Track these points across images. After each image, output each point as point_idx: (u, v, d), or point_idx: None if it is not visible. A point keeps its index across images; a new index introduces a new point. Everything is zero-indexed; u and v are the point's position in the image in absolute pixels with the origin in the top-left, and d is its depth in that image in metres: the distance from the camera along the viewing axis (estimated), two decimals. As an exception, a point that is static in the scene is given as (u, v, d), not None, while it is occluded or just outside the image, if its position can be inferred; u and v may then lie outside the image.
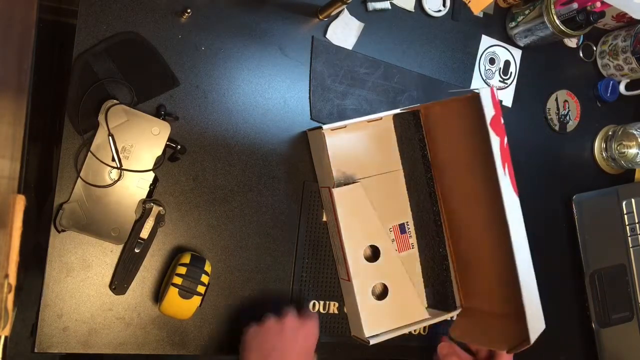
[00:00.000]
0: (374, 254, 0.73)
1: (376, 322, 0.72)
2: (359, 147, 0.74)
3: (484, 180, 0.68)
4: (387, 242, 0.73)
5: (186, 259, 0.65)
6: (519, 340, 0.65)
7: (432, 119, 0.75)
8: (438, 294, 0.77)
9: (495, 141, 0.63)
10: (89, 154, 0.64)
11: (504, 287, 0.70)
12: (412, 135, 0.77)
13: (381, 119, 0.74)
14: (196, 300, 0.64)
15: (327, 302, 0.77)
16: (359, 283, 0.71)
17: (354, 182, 0.72)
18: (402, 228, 0.77)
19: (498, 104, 0.64)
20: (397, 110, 0.73)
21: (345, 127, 0.72)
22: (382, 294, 0.73)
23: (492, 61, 0.89)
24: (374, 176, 0.75)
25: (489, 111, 0.62)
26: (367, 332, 0.71)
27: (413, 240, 0.77)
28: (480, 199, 0.71)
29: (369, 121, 0.73)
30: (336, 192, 0.70)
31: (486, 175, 0.66)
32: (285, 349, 0.63)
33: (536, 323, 0.64)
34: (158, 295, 0.68)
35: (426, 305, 0.77)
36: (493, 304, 0.73)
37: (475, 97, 0.63)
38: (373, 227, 0.72)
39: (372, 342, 0.70)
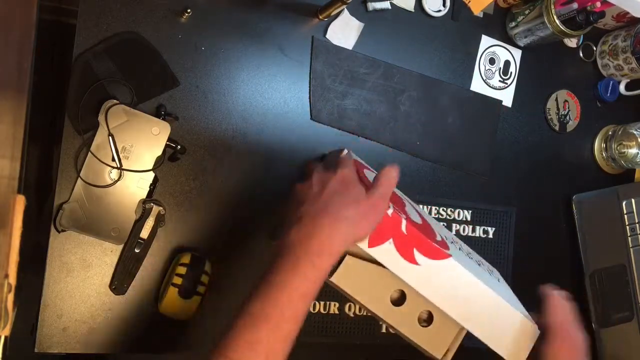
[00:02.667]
0: (401, 294, 0.69)
1: (440, 341, 0.69)
2: None
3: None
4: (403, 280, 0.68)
5: (186, 259, 0.65)
6: None
7: None
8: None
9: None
10: (89, 154, 0.64)
11: None
12: None
13: None
14: (196, 300, 0.64)
15: (328, 302, 0.77)
16: (403, 324, 0.68)
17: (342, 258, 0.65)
18: None
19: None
20: None
21: None
22: (429, 317, 0.69)
23: (492, 61, 0.89)
24: None
25: None
26: (438, 354, 0.69)
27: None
28: None
29: None
30: (335, 279, 0.63)
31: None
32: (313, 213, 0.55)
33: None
34: (158, 295, 0.68)
35: None
36: None
37: None
38: (384, 277, 0.65)
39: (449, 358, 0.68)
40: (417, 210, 0.71)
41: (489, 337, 0.64)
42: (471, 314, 0.64)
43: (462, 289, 0.63)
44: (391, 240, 0.60)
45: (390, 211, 0.60)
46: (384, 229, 0.60)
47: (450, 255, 0.62)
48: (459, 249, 0.70)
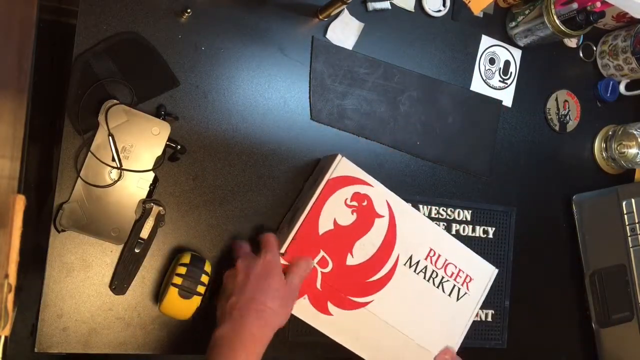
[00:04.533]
0: None
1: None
2: None
3: None
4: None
5: (186, 259, 0.65)
6: None
7: None
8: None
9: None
10: (89, 154, 0.64)
11: None
12: None
13: None
14: (196, 300, 0.64)
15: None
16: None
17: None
18: None
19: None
20: None
21: None
22: None
23: (492, 61, 0.89)
24: None
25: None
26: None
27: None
28: None
29: None
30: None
31: None
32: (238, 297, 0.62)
33: None
34: (158, 295, 0.68)
35: None
36: None
37: None
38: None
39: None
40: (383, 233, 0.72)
41: None
42: (381, 354, 0.70)
43: (375, 334, 0.70)
44: (306, 296, 0.68)
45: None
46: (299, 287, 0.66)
47: (367, 304, 0.69)
48: (422, 270, 0.72)
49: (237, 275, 0.63)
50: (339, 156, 0.69)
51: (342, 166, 0.69)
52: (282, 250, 0.65)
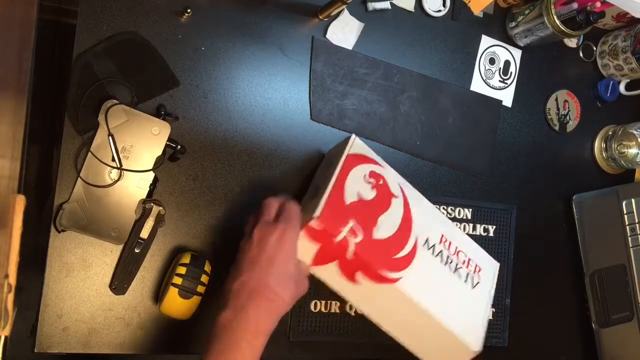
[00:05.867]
0: None
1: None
2: None
3: None
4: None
5: (186, 259, 0.65)
6: None
7: None
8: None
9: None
10: (89, 154, 0.64)
11: None
12: None
13: None
14: (196, 300, 0.64)
15: (329, 302, 0.77)
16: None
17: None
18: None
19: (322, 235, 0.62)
20: None
21: None
22: None
23: (492, 61, 0.89)
24: None
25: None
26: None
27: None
28: None
29: None
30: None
31: None
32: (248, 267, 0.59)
33: None
34: (158, 295, 0.68)
35: None
36: None
37: None
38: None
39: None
40: (406, 208, 0.71)
41: (424, 355, 0.69)
42: (407, 331, 0.68)
43: (401, 310, 0.66)
44: (336, 262, 0.64)
45: (339, 238, 0.62)
46: (329, 254, 0.63)
47: (396, 280, 0.64)
48: (438, 253, 0.70)
49: (250, 249, 0.59)
50: (353, 136, 0.69)
51: (358, 145, 0.69)
52: (317, 214, 0.61)
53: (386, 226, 0.67)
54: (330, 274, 0.65)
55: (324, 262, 0.64)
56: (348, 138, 0.70)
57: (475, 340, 0.68)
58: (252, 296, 0.56)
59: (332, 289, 0.67)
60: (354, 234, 0.63)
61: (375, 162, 0.70)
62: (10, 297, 0.53)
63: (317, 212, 0.61)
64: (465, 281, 0.71)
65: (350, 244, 0.63)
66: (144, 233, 0.66)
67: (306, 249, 0.63)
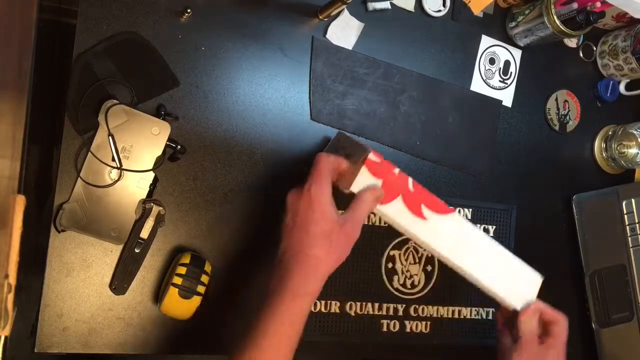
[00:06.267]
0: None
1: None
2: None
3: None
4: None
5: (186, 259, 0.65)
6: None
7: None
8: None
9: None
10: (89, 154, 0.64)
11: None
12: None
13: None
14: (196, 300, 0.64)
15: (329, 302, 0.77)
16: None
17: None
18: None
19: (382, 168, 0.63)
20: None
21: None
22: None
23: (492, 61, 0.89)
24: None
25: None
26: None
27: None
28: None
29: None
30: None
31: None
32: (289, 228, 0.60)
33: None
34: (158, 295, 0.68)
35: None
36: None
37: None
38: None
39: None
40: None
41: (495, 285, 0.69)
42: (477, 263, 0.68)
43: (468, 240, 0.67)
44: (400, 197, 0.64)
45: (396, 170, 0.64)
46: (392, 188, 0.63)
47: (454, 210, 0.67)
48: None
49: (285, 217, 0.61)
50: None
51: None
52: (370, 149, 0.61)
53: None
54: (397, 211, 0.64)
55: (390, 199, 0.63)
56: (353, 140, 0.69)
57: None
58: (289, 263, 0.58)
59: (401, 229, 0.65)
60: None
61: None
62: (10, 297, 0.53)
63: (369, 149, 0.62)
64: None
65: (409, 178, 0.65)
66: (144, 233, 0.66)
67: (371, 186, 0.63)
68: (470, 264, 0.68)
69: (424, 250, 0.79)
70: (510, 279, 0.70)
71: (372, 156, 0.62)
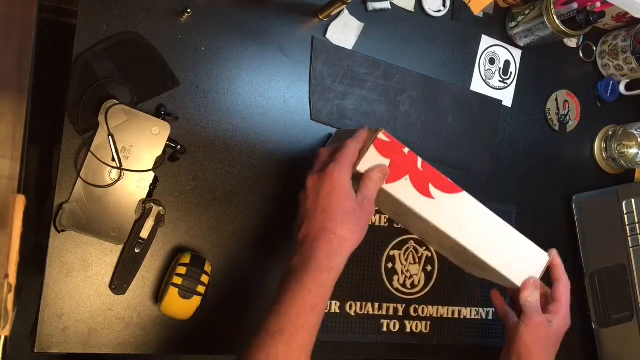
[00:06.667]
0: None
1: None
2: None
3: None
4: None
5: (186, 259, 0.65)
6: None
7: None
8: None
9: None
10: (89, 154, 0.64)
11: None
12: None
13: None
14: (196, 300, 0.64)
15: (329, 301, 0.76)
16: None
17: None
18: None
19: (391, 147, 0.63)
20: None
21: None
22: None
23: (492, 61, 0.89)
24: None
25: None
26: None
27: None
28: None
29: None
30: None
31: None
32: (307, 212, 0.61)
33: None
34: (158, 295, 0.68)
35: None
36: None
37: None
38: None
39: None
40: None
41: (502, 265, 0.68)
42: (484, 242, 0.68)
43: (475, 219, 0.67)
44: (407, 176, 0.65)
45: (406, 150, 0.64)
46: (401, 167, 0.64)
47: (463, 190, 0.66)
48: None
49: (306, 199, 0.61)
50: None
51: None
52: (380, 129, 0.62)
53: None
54: (405, 190, 0.65)
55: (397, 178, 0.64)
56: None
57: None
58: (314, 243, 0.58)
59: (409, 208, 0.66)
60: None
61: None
62: (10, 297, 0.53)
63: (380, 128, 0.63)
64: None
65: (418, 158, 0.65)
66: (144, 233, 0.66)
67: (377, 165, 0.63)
68: (477, 244, 0.68)
69: (427, 242, 0.79)
70: (518, 258, 0.70)
71: (381, 135, 0.63)
